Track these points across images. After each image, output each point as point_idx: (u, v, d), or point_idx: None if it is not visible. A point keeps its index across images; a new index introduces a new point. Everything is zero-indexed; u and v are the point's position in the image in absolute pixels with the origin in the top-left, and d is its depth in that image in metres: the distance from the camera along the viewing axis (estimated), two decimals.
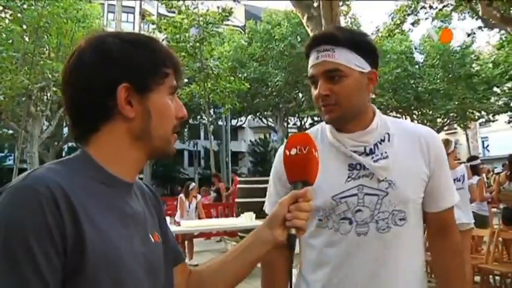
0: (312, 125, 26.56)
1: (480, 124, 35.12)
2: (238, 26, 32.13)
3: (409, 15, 14.43)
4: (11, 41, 14.75)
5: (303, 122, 29.91)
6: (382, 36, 15.03)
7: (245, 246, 1.01)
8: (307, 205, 0.96)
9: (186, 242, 7.68)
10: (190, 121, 27.79)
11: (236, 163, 35.36)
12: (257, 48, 25.30)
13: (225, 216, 10.66)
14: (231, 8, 19.33)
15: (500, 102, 26.05)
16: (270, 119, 29.65)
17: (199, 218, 8.38)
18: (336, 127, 1.33)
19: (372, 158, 1.28)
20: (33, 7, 14.41)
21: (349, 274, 1.26)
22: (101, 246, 0.75)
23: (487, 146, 37.59)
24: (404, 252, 1.29)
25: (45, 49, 16.40)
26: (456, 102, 25.02)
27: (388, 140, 1.31)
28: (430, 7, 14.09)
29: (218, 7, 19.57)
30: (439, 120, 27.46)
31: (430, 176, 1.33)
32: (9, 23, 14.83)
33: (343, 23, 10.20)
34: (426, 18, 14.75)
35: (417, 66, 26.57)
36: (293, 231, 0.96)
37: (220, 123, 29.63)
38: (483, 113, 26.81)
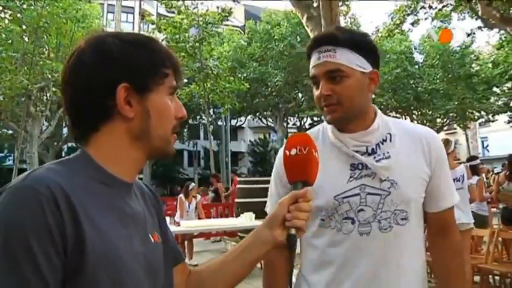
0: (311, 125, 26.60)
1: (480, 124, 35.15)
2: (237, 26, 32.14)
3: (408, 15, 14.43)
4: (10, 41, 14.74)
5: (302, 122, 29.92)
6: (382, 36, 15.04)
7: (245, 246, 1.01)
8: (307, 205, 0.96)
9: (185, 242, 7.68)
10: (190, 121, 27.80)
11: (236, 163, 35.37)
12: (257, 48, 25.30)
13: (224, 216, 10.66)
14: (231, 8, 19.33)
15: (500, 102, 26.07)
16: (270, 119, 29.65)
17: (199, 218, 8.38)
18: (337, 127, 1.33)
19: (374, 157, 1.28)
20: (32, 7, 14.41)
21: (351, 274, 1.26)
22: (100, 246, 0.75)
23: (487, 146, 37.61)
24: (406, 251, 1.29)
25: (44, 49, 16.40)
26: (456, 102, 25.04)
27: (390, 140, 1.31)
28: (430, 7, 14.09)
29: (218, 7, 19.59)
30: (438, 120, 27.48)
31: (431, 176, 1.33)
32: (8, 23, 14.83)
33: (342, 23, 10.21)
34: (426, 18, 14.77)
35: (417, 66, 26.59)
36: (293, 231, 0.95)
37: (219, 123, 29.64)
38: (483, 113, 26.83)
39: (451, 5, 13.63)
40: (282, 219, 0.97)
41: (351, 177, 1.28)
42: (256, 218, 6.76)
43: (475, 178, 6.02)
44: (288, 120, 29.60)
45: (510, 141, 25.65)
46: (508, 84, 24.53)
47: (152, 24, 20.06)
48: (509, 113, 26.33)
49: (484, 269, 4.93)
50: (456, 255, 1.43)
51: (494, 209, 8.12)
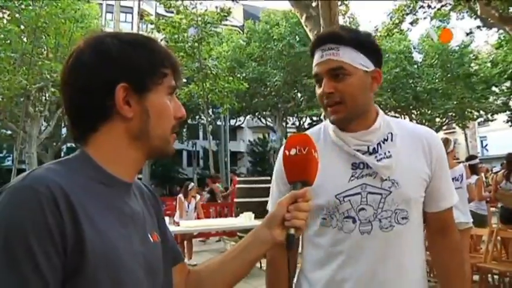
0: (310, 124, 26.61)
1: (479, 123, 35.19)
2: (236, 26, 32.13)
3: (407, 14, 14.45)
4: (9, 41, 14.75)
5: (301, 122, 29.93)
6: (381, 35, 15.05)
7: (244, 246, 1.01)
8: (306, 205, 0.97)
9: (185, 242, 7.69)
10: (189, 121, 27.80)
11: (235, 163, 35.37)
12: (256, 48, 25.32)
13: (223, 216, 10.67)
14: (230, 8, 19.34)
15: (499, 102, 26.11)
16: (269, 119, 29.67)
17: (198, 218, 8.38)
18: (339, 126, 1.33)
19: (375, 157, 1.28)
20: (31, 7, 14.40)
21: (352, 272, 1.26)
22: (100, 246, 0.75)
23: (486, 145, 37.64)
24: (406, 250, 1.30)
25: (43, 49, 16.39)
26: (455, 102, 25.07)
27: (391, 140, 1.31)
28: (429, 6, 14.10)
29: (216, 7, 19.60)
30: (437, 119, 27.51)
31: (431, 177, 1.34)
32: (7, 23, 14.82)
33: (341, 23, 10.20)
34: (425, 18, 14.76)
35: (416, 66, 26.62)
36: (292, 231, 0.96)
37: (219, 123, 29.64)
38: (482, 112, 26.88)
39: (450, 4, 13.65)
40: (281, 219, 0.97)
41: (352, 176, 1.29)
42: (256, 217, 6.76)
43: (474, 177, 6.02)
44: (287, 120, 29.63)
45: (509, 141, 25.64)
46: (507, 84, 24.56)
47: (151, 24, 20.08)
48: (508, 113, 26.36)
49: (483, 268, 4.94)
50: (456, 254, 1.44)
51: (493, 208, 8.13)
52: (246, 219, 6.89)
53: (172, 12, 20.62)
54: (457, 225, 1.61)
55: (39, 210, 0.70)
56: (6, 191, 0.73)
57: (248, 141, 37.90)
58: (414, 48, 27.77)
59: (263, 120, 30.22)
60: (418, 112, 27.30)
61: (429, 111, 26.71)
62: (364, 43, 1.29)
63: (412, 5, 14.12)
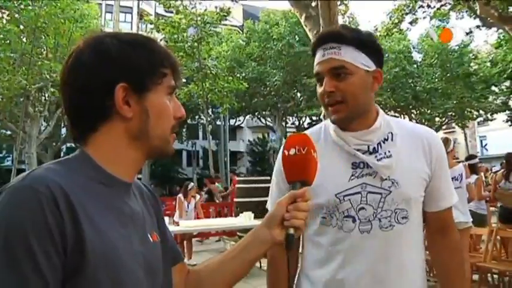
0: (310, 124, 26.60)
1: (478, 123, 35.18)
2: (236, 26, 32.11)
3: (407, 14, 14.46)
4: (8, 41, 14.74)
5: (301, 122, 29.93)
6: (380, 35, 15.04)
7: (243, 245, 1.02)
8: (306, 205, 0.97)
9: (185, 242, 7.69)
10: (189, 121, 27.79)
11: (235, 163, 35.36)
12: (255, 47, 25.31)
13: (223, 216, 10.67)
14: (229, 8, 19.33)
15: (498, 101, 26.10)
16: (269, 119, 29.66)
17: (198, 217, 8.38)
18: (340, 126, 1.34)
19: (376, 156, 1.29)
20: (30, 7, 14.39)
21: (352, 272, 1.27)
22: (100, 246, 0.75)
23: (485, 144, 37.64)
24: (406, 250, 1.30)
25: (42, 49, 16.37)
26: (454, 101, 25.07)
27: (392, 140, 1.32)
28: (428, 6, 14.10)
29: (216, 7, 19.59)
30: (437, 119, 27.52)
31: (431, 176, 1.34)
32: (6, 24, 14.81)
33: (341, 22, 10.20)
34: (424, 17, 14.77)
35: (415, 66, 26.64)
36: (291, 230, 0.96)
37: (218, 123, 29.63)
38: (481, 111, 26.86)
39: (450, 4, 13.66)
40: (280, 218, 0.98)
41: (352, 175, 1.29)
42: (255, 217, 6.76)
43: (474, 177, 6.02)
44: (287, 120, 29.63)
45: (508, 140, 25.65)
46: (507, 83, 24.56)
47: (150, 24, 20.07)
48: (507, 112, 26.37)
49: (483, 268, 4.94)
50: (455, 254, 1.44)
51: (493, 208, 8.13)
52: (246, 219, 6.90)
53: (171, 12, 20.60)
54: (457, 224, 1.61)
55: (39, 210, 0.70)
56: (6, 191, 0.73)
57: (248, 141, 37.89)
58: (414, 47, 27.78)
59: (263, 120, 30.21)
60: (418, 112, 27.31)
61: (429, 111, 26.71)
62: (366, 43, 1.29)
63: (411, 5, 14.13)
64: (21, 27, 14.74)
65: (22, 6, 14.37)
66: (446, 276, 1.44)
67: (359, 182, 1.28)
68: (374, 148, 1.30)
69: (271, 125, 29.62)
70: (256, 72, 24.55)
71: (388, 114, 1.43)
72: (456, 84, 25.01)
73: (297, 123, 30.14)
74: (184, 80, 18.95)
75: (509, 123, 26.22)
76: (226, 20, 20.69)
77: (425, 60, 26.54)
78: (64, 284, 0.72)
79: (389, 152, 1.29)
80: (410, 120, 24.92)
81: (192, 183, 8.87)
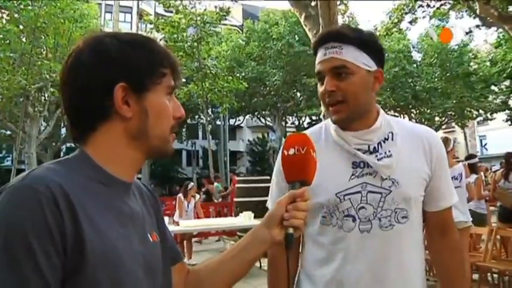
0: (310, 124, 26.60)
1: (478, 122, 35.17)
2: (236, 26, 32.11)
3: (406, 13, 14.45)
4: (8, 41, 14.75)
5: (301, 121, 29.93)
6: (380, 35, 15.03)
7: (243, 245, 1.02)
8: (305, 205, 0.97)
9: (184, 242, 7.69)
10: (189, 121, 27.78)
11: (234, 163, 35.35)
12: (255, 47, 25.30)
13: (223, 216, 10.67)
14: (229, 8, 19.33)
15: (498, 101, 26.10)
16: (268, 119, 29.65)
17: (198, 217, 8.38)
18: (341, 126, 1.34)
19: (376, 156, 1.29)
20: (30, 7, 14.39)
21: (352, 271, 1.27)
22: (100, 246, 0.75)
23: (485, 144, 37.64)
24: (406, 249, 1.30)
25: (42, 49, 16.38)
26: (454, 101, 25.07)
27: (392, 139, 1.32)
28: (428, 6, 14.10)
29: (216, 7, 19.58)
30: (437, 118, 27.51)
31: (431, 176, 1.35)
32: (6, 24, 14.81)
33: (340, 22, 10.20)
34: (424, 17, 14.76)
35: (415, 65, 26.63)
36: (291, 230, 0.96)
37: (218, 122, 29.63)
38: (481, 111, 26.86)
39: (449, 3, 13.66)
40: (279, 218, 0.98)
41: (352, 175, 1.29)
42: (255, 217, 6.76)
43: (473, 176, 6.02)
44: (287, 120, 29.62)
45: (508, 140, 25.65)
46: (506, 83, 24.56)
47: (150, 23, 20.05)
48: (507, 111, 26.36)
49: (483, 267, 4.94)
50: (456, 254, 1.45)
51: (493, 208, 8.13)
52: (246, 218, 6.89)
53: (171, 12, 20.58)
54: (456, 224, 1.62)
55: (39, 210, 0.70)
56: (6, 191, 0.73)
57: (247, 141, 37.88)
58: (413, 47, 27.78)
59: (262, 120, 30.21)
60: (418, 111, 27.30)
61: (428, 110, 26.71)
62: (368, 43, 1.29)
63: (411, 4, 14.12)
64: (21, 27, 14.75)
65: (22, 6, 14.37)
66: (446, 276, 1.45)
67: (359, 181, 1.28)
68: (374, 148, 1.30)
69: (271, 124, 29.62)
70: (255, 72, 24.55)
71: (388, 114, 1.44)
72: (456, 84, 25.01)
73: (296, 122, 30.14)
74: (184, 80, 18.94)
75: (509, 122, 26.22)
76: (225, 19, 20.68)
77: (425, 60, 26.54)
78: (64, 284, 0.72)
79: (389, 151, 1.29)
80: (410, 119, 24.93)
81: (192, 183, 8.87)
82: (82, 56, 0.84)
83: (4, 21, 14.98)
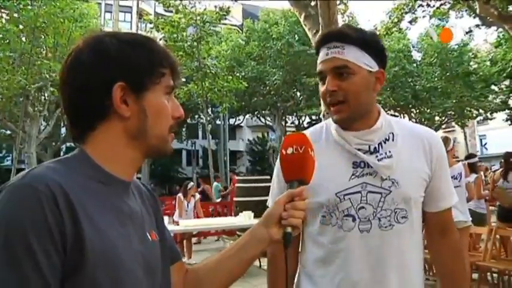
0: (310, 123, 26.59)
1: (478, 122, 35.14)
2: (235, 25, 32.09)
3: (406, 13, 14.43)
4: (7, 41, 14.74)
5: (301, 121, 29.90)
6: (380, 34, 15.01)
7: (241, 245, 1.02)
8: (303, 204, 0.97)
9: (184, 242, 7.69)
10: (188, 120, 27.76)
11: (234, 162, 35.34)
12: (255, 47, 25.28)
13: (223, 215, 10.67)
14: (229, 7, 19.30)
15: (498, 100, 26.06)
16: (268, 118, 29.63)
17: (198, 217, 8.38)
18: (342, 126, 1.34)
19: (376, 156, 1.29)
20: (29, 7, 14.39)
21: (352, 271, 1.27)
22: (99, 245, 0.75)
23: (485, 144, 37.62)
24: (405, 249, 1.31)
25: (42, 49, 16.36)
26: (454, 101, 25.04)
27: (393, 140, 1.32)
28: (428, 5, 14.08)
29: (215, 6, 19.55)
30: (437, 118, 27.48)
31: (431, 177, 1.35)
32: (5, 23, 14.80)
33: (340, 22, 10.19)
34: (424, 17, 14.74)
35: (415, 65, 26.59)
36: (289, 229, 0.97)
37: (218, 122, 29.61)
38: (481, 111, 26.82)
39: (449, 3, 13.64)
40: (278, 217, 0.98)
41: (352, 175, 1.30)
42: (255, 216, 6.75)
43: (473, 176, 6.02)
44: (287, 119, 29.59)
45: (508, 139, 25.62)
46: (506, 82, 24.52)
47: (150, 23, 20.01)
48: (507, 111, 26.33)
49: (482, 267, 4.94)
50: (456, 254, 1.45)
51: (493, 207, 8.13)
52: (246, 218, 6.89)
53: (171, 12, 20.53)
54: (456, 224, 1.62)
55: (39, 209, 0.70)
56: (6, 190, 0.73)
57: (247, 141, 37.86)
58: (413, 46, 27.75)
59: (262, 120, 30.19)
60: (417, 111, 27.28)
61: (428, 110, 26.68)
62: (370, 43, 1.29)
63: (411, 4, 14.10)
64: (21, 26, 14.74)
65: (21, 6, 14.36)
66: (446, 276, 1.45)
67: (359, 181, 1.29)
68: (375, 148, 1.31)
69: (270, 124, 29.60)
70: (255, 72, 24.52)
71: (388, 113, 1.44)
72: (456, 83, 24.98)
73: (296, 122, 30.12)
74: (183, 80, 18.91)
75: (509, 122, 26.20)
76: (225, 19, 20.64)
77: (425, 59, 26.51)
78: (63, 283, 0.72)
79: (390, 152, 1.30)
80: (410, 119, 24.96)
81: (191, 183, 8.88)
82: (82, 56, 0.85)
83: (4, 20, 14.97)
